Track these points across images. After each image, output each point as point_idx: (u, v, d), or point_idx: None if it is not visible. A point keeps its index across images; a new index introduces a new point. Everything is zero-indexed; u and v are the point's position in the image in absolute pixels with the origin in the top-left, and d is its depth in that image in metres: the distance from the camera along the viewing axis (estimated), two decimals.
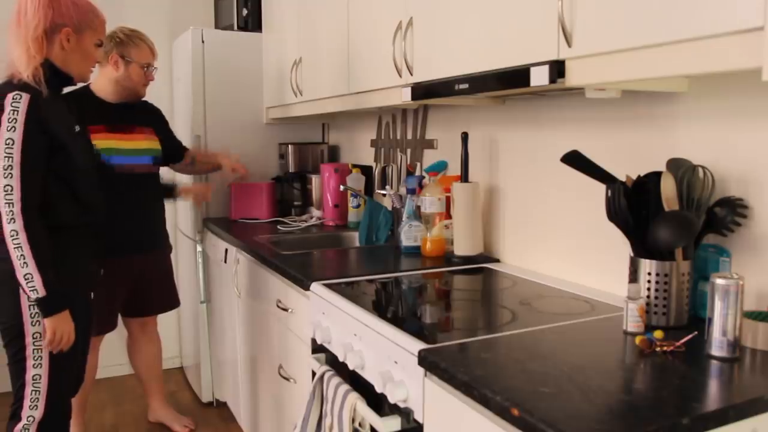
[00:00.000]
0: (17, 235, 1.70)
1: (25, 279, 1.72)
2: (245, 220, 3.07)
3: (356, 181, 2.81)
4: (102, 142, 2.44)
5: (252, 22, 3.24)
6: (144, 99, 2.66)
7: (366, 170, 2.88)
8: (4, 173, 1.69)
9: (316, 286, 1.77)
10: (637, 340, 1.22)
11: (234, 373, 2.81)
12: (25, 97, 1.71)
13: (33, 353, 1.82)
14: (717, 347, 1.15)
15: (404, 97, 1.85)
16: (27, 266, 1.71)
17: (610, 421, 0.91)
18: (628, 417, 0.92)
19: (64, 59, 1.84)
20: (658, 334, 1.22)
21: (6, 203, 1.70)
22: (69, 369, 1.93)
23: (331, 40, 2.40)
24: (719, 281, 1.14)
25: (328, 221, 2.92)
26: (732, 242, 1.34)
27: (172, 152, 2.77)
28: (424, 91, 1.77)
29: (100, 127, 2.46)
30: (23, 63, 1.76)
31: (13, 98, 1.70)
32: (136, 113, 2.62)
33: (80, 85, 2.05)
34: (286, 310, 2.02)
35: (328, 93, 2.46)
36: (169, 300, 2.88)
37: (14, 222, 1.70)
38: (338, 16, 2.33)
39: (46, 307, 1.76)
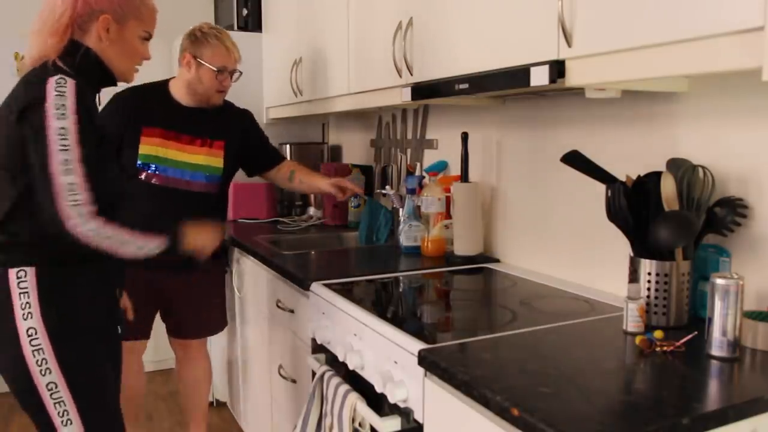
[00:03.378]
0: (98, 229, 1.39)
1: (140, 250, 1.48)
2: (245, 220, 3.07)
3: (356, 181, 2.81)
4: (149, 148, 2.20)
5: (252, 22, 3.24)
6: (230, 101, 2.41)
7: (366, 170, 2.88)
8: (64, 169, 1.36)
9: (316, 286, 1.77)
10: (637, 340, 1.22)
11: (234, 373, 2.81)
12: (71, 82, 1.41)
13: (56, 408, 1.45)
14: (717, 347, 1.15)
15: (404, 97, 1.85)
16: (129, 243, 1.45)
17: (611, 421, 0.91)
18: (628, 417, 0.92)
19: (103, 52, 1.53)
20: (658, 334, 1.22)
21: (73, 205, 1.36)
22: (114, 413, 1.56)
23: (331, 40, 2.40)
24: (719, 281, 1.14)
25: (328, 221, 2.92)
26: (732, 242, 1.34)
27: (261, 161, 2.50)
28: (424, 91, 1.77)
29: (156, 131, 2.21)
30: (49, 49, 1.47)
31: (57, 83, 1.39)
32: (212, 121, 2.32)
33: (132, 84, 1.72)
34: (286, 310, 2.02)
35: (328, 93, 2.46)
36: (206, 324, 2.53)
37: (89, 224, 1.38)
38: (338, 15, 2.33)
39: (175, 246, 1.57)
